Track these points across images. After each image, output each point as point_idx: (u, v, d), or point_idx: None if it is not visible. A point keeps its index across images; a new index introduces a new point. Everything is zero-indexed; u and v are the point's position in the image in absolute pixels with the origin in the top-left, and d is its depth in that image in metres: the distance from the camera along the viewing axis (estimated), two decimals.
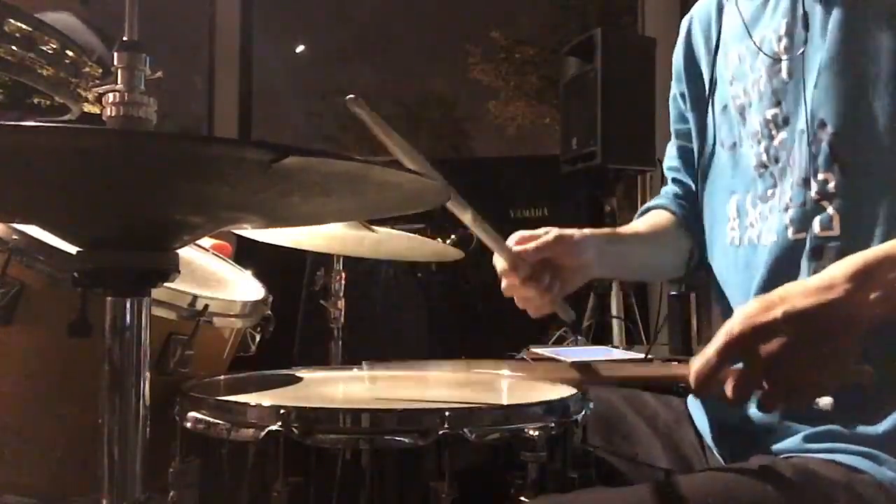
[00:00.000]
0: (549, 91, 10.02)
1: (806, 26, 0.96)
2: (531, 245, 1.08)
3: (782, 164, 0.99)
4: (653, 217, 1.27)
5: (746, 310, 0.79)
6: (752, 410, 0.97)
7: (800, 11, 0.97)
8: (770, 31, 1.02)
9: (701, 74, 1.18)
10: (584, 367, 1.02)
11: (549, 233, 1.10)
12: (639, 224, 1.26)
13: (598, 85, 2.72)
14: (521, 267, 1.07)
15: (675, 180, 1.28)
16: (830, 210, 0.93)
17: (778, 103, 1.00)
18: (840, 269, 0.78)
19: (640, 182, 3.15)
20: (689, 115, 1.21)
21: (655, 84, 2.73)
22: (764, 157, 1.02)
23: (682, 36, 1.24)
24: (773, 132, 1.01)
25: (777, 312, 0.77)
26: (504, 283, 1.10)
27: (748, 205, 1.05)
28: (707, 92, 1.15)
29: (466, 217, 1.01)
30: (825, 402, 0.81)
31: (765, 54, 1.02)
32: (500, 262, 1.10)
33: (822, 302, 0.76)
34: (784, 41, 1.00)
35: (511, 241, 1.10)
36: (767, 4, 1.04)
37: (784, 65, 0.99)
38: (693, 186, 1.20)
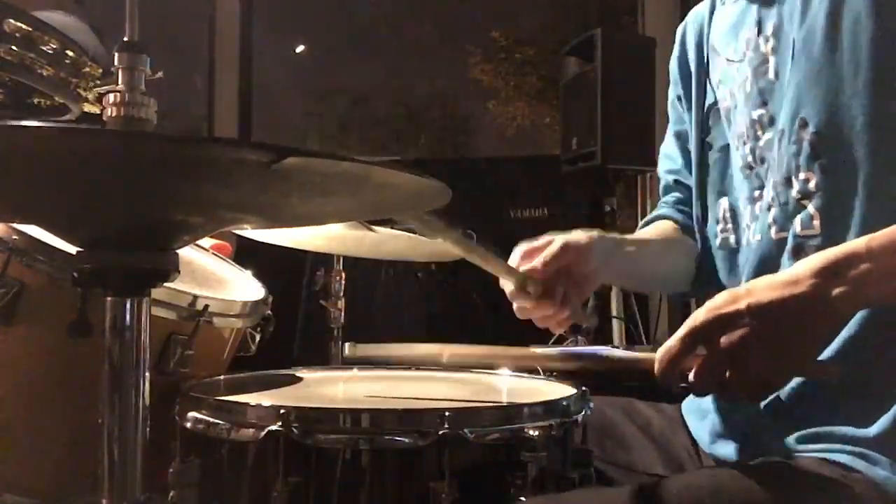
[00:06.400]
0: (549, 91, 10.00)
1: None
2: (538, 260, 1.03)
3: (767, 164, 0.99)
4: (658, 227, 1.24)
5: (713, 301, 0.81)
6: (745, 414, 0.97)
7: (787, 12, 0.97)
8: (757, 32, 1.02)
9: (693, 79, 1.18)
10: (543, 355, 1.01)
11: (553, 242, 1.04)
12: (645, 232, 1.24)
13: (598, 85, 2.72)
14: (532, 286, 1.03)
15: (677, 182, 1.25)
16: (811, 209, 0.92)
17: (764, 104, 1.00)
18: (806, 265, 0.80)
19: (639, 182, 3.15)
20: (685, 117, 1.21)
21: (655, 84, 2.73)
22: (750, 159, 1.02)
23: (677, 42, 1.24)
24: (760, 133, 1.00)
25: (742, 304, 0.78)
26: (516, 307, 1.06)
27: (741, 207, 1.05)
28: (700, 96, 1.15)
29: (466, 251, 0.98)
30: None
31: (751, 55, 1.02)
32: (507, 285, 1.05)
33: (786, 296, 0.78)
34: (771, 41, 0.99)
35: (515, 257, 1.05)
36: (752, 6, 1.03)
37: (771, 65, 0.99)
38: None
